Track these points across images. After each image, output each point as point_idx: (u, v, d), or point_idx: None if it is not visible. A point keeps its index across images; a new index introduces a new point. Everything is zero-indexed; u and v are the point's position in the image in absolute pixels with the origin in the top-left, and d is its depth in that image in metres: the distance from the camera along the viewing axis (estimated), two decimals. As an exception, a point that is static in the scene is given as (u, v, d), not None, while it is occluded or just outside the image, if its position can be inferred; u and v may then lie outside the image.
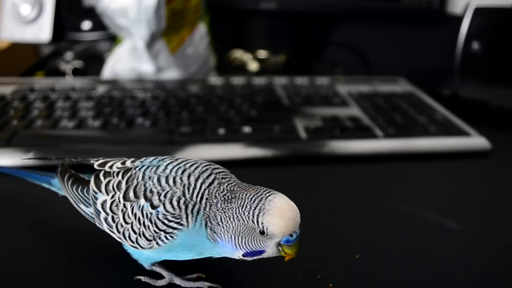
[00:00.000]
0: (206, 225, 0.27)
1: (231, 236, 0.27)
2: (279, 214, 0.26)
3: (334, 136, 0.51)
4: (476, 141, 0.53)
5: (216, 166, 0.29)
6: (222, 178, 0.28)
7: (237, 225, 0.26)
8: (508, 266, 0.35)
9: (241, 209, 0.26)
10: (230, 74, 0.73)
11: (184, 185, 0.27)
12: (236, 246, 0.27)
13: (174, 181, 0.28)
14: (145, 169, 0.29)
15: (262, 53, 0.86)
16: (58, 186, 0.34)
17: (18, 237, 0.36)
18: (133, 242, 0.29)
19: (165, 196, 0.27)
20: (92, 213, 0.31)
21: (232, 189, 0.27)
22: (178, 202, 0.27)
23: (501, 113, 0.63)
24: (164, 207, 0.27)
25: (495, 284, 0.33)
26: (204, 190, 0.27)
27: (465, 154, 0.52)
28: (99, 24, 0.94)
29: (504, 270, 0.34)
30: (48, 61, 0.80)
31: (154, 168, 0.29)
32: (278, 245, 0.27)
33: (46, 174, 0.36)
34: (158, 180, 0.28)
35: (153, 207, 0.27)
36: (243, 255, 0.28)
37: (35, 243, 0.35)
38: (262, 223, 0.26)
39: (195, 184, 0.27)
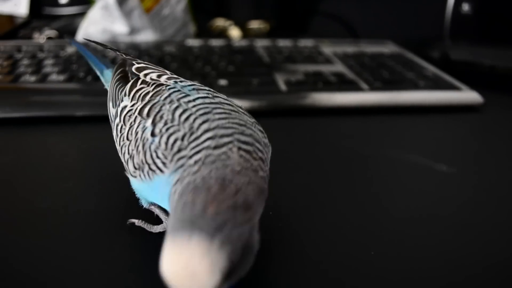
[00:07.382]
0: (175, 184, 0.21)
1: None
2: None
3: (316, 88, 0.48)
4: (468, 95, 0.49)
5: (254, 131, 0.23)
6: (246, 152, 0.21)
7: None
8: (502, 202, 0.32)
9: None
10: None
11: (191, 128, 0.22)
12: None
13: (187, 119, 0.22)
14: (173, 92, 0.24)
15: (245, 22, 0.82)
16: (108, 77, 0.29)
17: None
18: (125, 162, 0.25)
19: (167, 129, 0.22)
20: (112, 115, 0.27)
21: (219, 174, 0.20)
22: (174, 142, 0.22)
23: (494, 73, 0.60)
24: (160, 140, 0.22)
25: (490, 217, 0.30)
26: (206, 147, 0.21)
27: (456, 108, 0.49)
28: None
29: (498, 206, 0.31)
30: (21, 30, 0.76)
31: (182, 95, 0.24)
32: None
33: (104, 62, 0.32)
34: (175, 109, 0.23)
35: (153, 134, 0.23)
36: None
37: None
38: None
39: (201, 135, 0.22)
